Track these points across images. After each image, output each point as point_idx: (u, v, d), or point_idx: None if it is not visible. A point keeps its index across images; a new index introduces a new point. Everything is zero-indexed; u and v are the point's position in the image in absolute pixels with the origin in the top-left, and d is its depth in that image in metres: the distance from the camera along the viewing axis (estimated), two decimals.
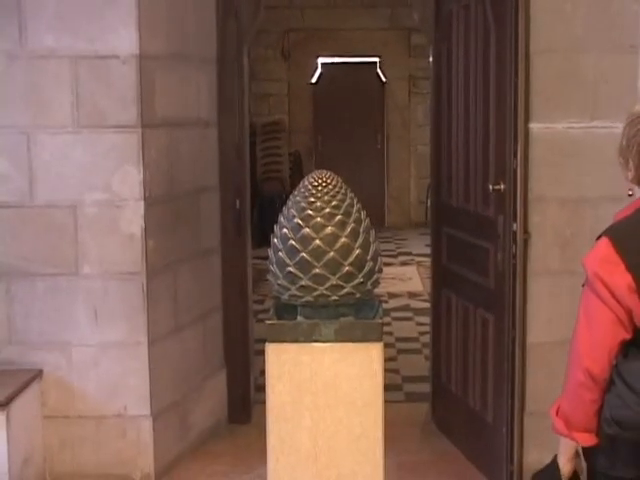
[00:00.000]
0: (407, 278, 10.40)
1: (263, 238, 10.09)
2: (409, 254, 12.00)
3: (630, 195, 2.73)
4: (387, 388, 3.24)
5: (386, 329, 3.27)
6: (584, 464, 2.71)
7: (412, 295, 9.47)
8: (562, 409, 2.62)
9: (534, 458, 4.62)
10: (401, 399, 6.15)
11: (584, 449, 2.63)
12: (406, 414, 5.76)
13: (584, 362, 2.52)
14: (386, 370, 3.23)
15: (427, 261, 7.82)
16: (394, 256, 11.77)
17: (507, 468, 4.58)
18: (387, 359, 3.26)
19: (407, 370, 6.73)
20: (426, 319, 6.60)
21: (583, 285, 2.61)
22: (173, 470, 4.94)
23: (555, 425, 2.64)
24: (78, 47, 4.57)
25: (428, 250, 6.24)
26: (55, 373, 4.72)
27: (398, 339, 7.59)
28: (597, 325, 2.51)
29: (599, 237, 2.59)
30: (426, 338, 6.66)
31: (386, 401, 3.24)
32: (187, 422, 5.15)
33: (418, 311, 8.58)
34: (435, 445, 5.31)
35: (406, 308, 8.89)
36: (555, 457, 2.73)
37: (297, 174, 13.07)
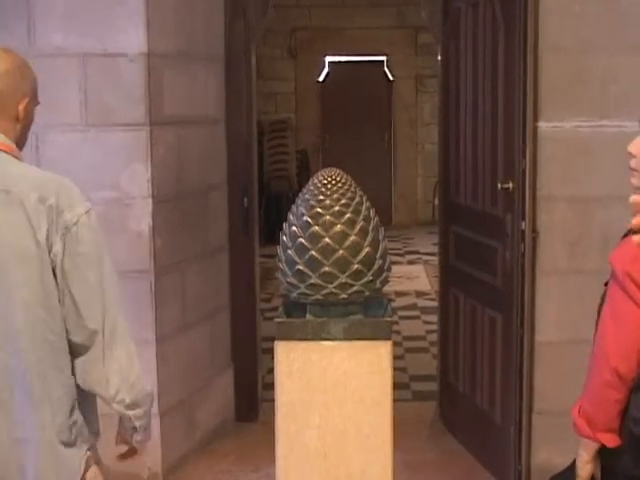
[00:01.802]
0: (414, 277, 10.40)
1: (270, 236, 10.14)
2: (416, 253, 11.99)
3: None
4: (394, 387, 3.23)
5: (393, 327, 3.29)
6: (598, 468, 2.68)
7: (419, 294, 9.47)
8: (584, 409, 2.58)
9: (542, 457, 4.63)
10: (408, 398, 6.15)
11: (605, 450, 2.59)
12: (413, 413, 5.75)
13: (612, 361, 2.48)
14: (393, 369, 3.23)
15: (434, 260, 7.81)
16: (401, 255, 11.77)
17: (515, 467, 4.58)
18: (394, 358, 3.26)
19: (414, 369, 6.73)
20: (433, 318, 6.60)
21: (606, 284, 2.58)
22: (180, 468, 4.94)
23: (577, 426, 2.60)
24: (86, 46, 4.57)
25: (435, 249, 6.23)
26: None
27: (405, 338, 7.58)
28: (626, 324, 2.47)
29: (625, 235, 2.56)
30: (433, 337, 6.66)
31: (393, 400, 3.23)
32: (194, 420, 5.15)
33: (425, 310, 8.58)
34: (442, 444, 5.31)
35: (413, 307, 8.89)
36: (574, 461, 2.70)
37: (304, 172, 13.08)
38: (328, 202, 3.10)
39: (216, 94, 5.33)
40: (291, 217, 3.18)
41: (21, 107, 2.48)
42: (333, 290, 3.09)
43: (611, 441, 2.55)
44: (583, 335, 4.28)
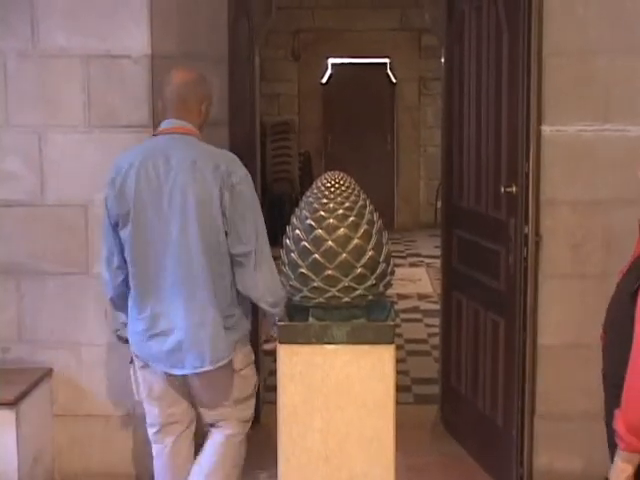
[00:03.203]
0: (416, 280, 10.39)
1: (272, 238, 10.10)
2: (418, 256, 11.99)
3: None
4: (396, 390, 3.23)
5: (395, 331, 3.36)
6: None
7: (421, 297, 9.46)
8: (632, 424, 2.53)
9: (544, 461, 4.62)
10: (410, 401, 6.14)
11: None
12: (415, 416, 5.74)
13: None
14: (395, 372, 3.22)
15: (436, 263, 7.81)
16: (403, 257, 11.76)
17: (517, 471, 4.57)
18: (396, 361, 3.25)
19: (416, 372, 6.72)
20: (435, 321, 6.59)
21: (636, 291, 2.53)
22: None
23: (627, 442, 2.55)
24: (90, 46, 4.57)
25: (437, 252, 6.23)
26: (65, 372, 4.72)
27: (407, 341, 7.57)
28: None
29: None
30: (435, 340, 6.65)
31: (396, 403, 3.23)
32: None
33: (427, 313, 8.57)
34: (444, 447, 5.30)
35: (415, 310, 8.88)
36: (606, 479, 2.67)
37: (307, 174, 13.08)
38: (332, 205, 3.10)
39: (219, 95, 5.30)
40: (295, 220, 3.17)
41: (202, 107, 3.77)
42: (336, 294, 3.09)
43: None
44: (586, 339, 4.30)
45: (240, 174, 3.61)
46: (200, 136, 3.74)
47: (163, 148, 3.66)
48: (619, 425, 2.57)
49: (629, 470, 2.58)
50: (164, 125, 3.75)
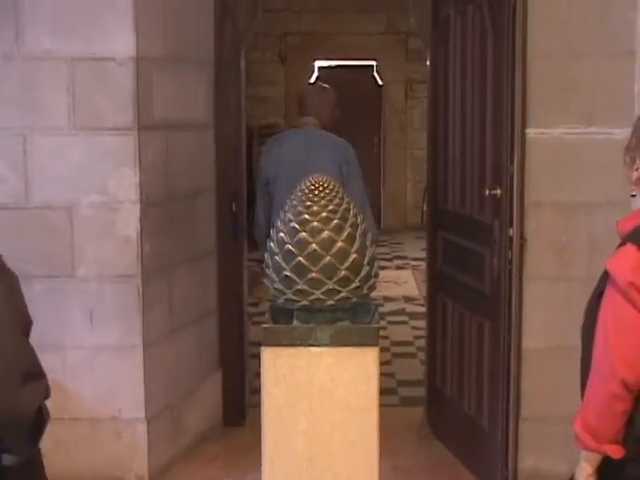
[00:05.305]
0: (402, 282, 10.40)
1: None
2: (405, 258, 12.00)
3: (633, 196, 2.67)
4: (382, 392, 3.23)
5: (381, 333, 3.37)
6: None
7: (407, 299, 9.47)
8: (589, 423, 2.52)
9: (529, 463, 4.64)
10: (396, 403, 6.15)
11: (608, 462, 2.54)
12: (401, 418, 5.75)
13: (619, 373, 2.41)
14: (381, 374, 3.22)
15: (423, 265, 7.82)
16: (390, 260, 11.77)
17: (502, 473, 4.58)
18: (382, 363, 3.26)
19: (402, 374, 6.73)
20: (421, 323, 6.61)
21: (600, 294, 2.54)
22: (167, 473, 4.93)
23: (582, 440, 2.54)
24: (75, 49, 4.56)
25: (424, 254, 6.24)
26: (50, 375, 4.62)
27: (393, 343, 7.58)
28: (631, 333, 2.40)
29: (622, 244, 2.52)
30: (421, 342, 6.66)
31: (381, 405, 3.23)
32: (182, 425, 5.14)
33: (413, 315, 8.58)
34: (430, 450, 5.31)
35: (401, 312, 8.89)
36: (572, 476, 2.67)
37: None
38: (315, 208, 3.10)
39: (205, 98, 5.32)
40: (279, 223, 3.18)
41: (329, 109, 5.68)
42: (320, 296, 3.09)
43: (617, 452, 2.50)
44: (570, 341, 4.29)
45: (351, 153, 5.39)
46: (320, 128, 5.47)
47: (304, 137, 5.39)
48: (576, 423, 2.56)
49: (588, 470, 2.57)
50: (303, 120, 5.50)
